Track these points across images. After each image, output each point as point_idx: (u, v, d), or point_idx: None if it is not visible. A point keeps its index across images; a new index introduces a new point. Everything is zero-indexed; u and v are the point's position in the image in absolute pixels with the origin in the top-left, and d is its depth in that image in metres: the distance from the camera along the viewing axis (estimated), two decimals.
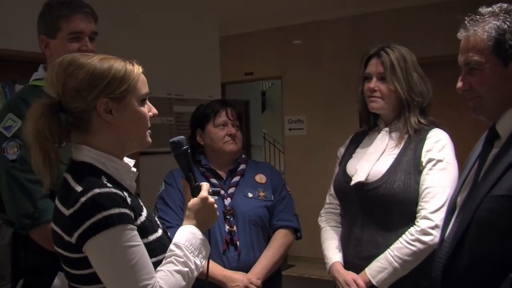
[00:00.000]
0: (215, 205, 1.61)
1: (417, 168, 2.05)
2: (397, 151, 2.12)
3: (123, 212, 1.35)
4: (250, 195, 2.41)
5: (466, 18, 1.61)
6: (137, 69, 1.48)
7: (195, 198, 1.59)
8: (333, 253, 2.18)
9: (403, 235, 1.99)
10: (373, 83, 2.16)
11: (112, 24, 3.50)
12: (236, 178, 2.44)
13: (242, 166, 2.49)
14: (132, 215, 1.39)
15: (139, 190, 2.27)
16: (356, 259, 2.11)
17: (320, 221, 2.34)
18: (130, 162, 1.55)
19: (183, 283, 1.42)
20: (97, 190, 1.34)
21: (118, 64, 1.44)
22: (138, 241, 1.37)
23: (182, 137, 1.64)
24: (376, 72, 2.16)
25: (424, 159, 2.05)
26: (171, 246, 1.48)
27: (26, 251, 1.96)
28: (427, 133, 2.11)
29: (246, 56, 7.17)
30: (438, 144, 2.07)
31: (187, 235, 1.51)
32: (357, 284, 2.03)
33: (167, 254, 1.46)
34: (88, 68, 1.41)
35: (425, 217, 1.97)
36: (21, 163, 1.88)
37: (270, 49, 7.01)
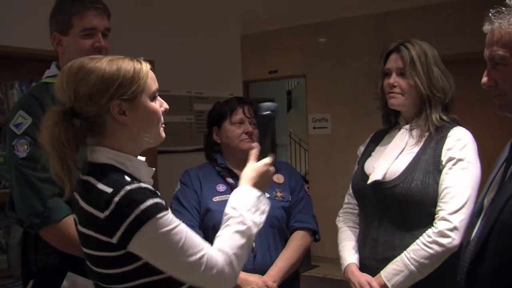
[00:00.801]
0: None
1: (437, 167, 1.98)
2: (416, 149, 2.06)
3: (157, 201, 1.36)
4: (267, 195, 2.34)
5: (491, 10, 1.54)
6: (145, 67, 1.48)
7: (261, 161, 1.64)
8: (349, 254, 2.14)
9: (420, 237, 1.93)
10: (393, 79, 2.10)
11: (133, 21, 3.51)
12: None
13: None
14: (164, 202, 1.40)
15: (157, 189, 2.25)
16: (372, 261, 2.06)
17: (338, 221, 2.30)
18: (142, 159, 1.55)
19: (243, 240, 1.45)
20: (127, 188, 1.35)
21: (126, 65, 1.44)
22: (177, 222, 1.38)
23: (274, 103, 1.69)
24: (395, 68, 2.10)
25: (444, 158, 1.98)
26: (226, 209, 1.51)
27: (35, 250, 1.95)
28: (449, 131, 2.03)
29: (270, 54, 7.15)
30: (460, 143, 1.99)
31: (241, 195, 1.54)
32: (371, 287, 1.98)
33: (224, 217, 1.50)
34: (98, 72, 1.41)
35: (444, 218, 1.90)
36: (31, 161, 1.86)
37: (294, 47, 6.98)
